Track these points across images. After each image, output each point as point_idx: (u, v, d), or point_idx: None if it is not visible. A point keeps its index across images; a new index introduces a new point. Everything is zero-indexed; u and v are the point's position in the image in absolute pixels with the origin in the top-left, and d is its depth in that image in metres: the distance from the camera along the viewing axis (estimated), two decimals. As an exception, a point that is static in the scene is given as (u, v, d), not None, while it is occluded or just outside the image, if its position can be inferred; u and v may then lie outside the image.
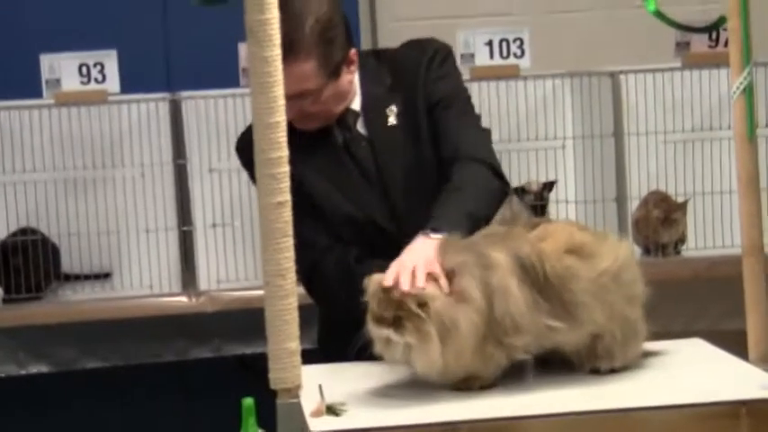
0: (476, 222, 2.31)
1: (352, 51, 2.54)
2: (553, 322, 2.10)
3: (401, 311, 2.08)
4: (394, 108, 2.56)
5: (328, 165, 2.55)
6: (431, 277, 2.10)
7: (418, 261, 2.14)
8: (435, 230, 2.27)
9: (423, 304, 2.07)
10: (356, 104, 2.58)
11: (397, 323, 2.08)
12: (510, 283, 2.09)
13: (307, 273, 2.57)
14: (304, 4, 2.43)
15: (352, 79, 2.56)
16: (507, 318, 2.08)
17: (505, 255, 2.11)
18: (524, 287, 2.09)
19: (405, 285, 2.10)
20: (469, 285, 2.08)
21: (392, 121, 2.56)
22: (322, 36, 2.44)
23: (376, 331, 2.11)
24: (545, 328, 2.10)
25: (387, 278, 2.14)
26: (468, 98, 2.62)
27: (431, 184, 2.51)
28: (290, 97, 2.42)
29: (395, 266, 2.17)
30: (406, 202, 2.55)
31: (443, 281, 2.10)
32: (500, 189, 2.49)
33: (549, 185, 3.85)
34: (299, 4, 2.43)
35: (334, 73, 2.49)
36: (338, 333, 2.33)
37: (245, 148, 2.60)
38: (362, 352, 2.16)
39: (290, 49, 2.36)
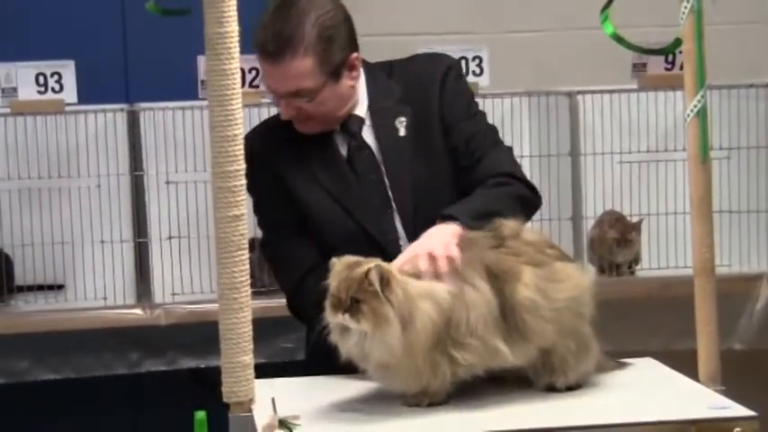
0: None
1: (354, 55, 2.48)
2: (503, 346, 2.10)
3: (360, 293, 2.03)
4: (403, 119, 2.52)
5: (327, 177, 2.50)
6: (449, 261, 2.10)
7: (435, 245, 2.13)
8: (450, 219, 2.26)
9: (386, 282, 2.03)
10: (361, 111, 2.54)
11: (353, 308, 2.03)
12: (479, 296, 2.09)
13: (289, 292, 2.54)
14: (308, 2, 2.42)
15: (355, 85, 2.51)
16: (462, 327, 2.07)
17: (481, 268, 2.12)
18: (492, 302, 2.10)
19: (423, 267, 2.09)
20: (437, 287, 2.08)
21: (402, 132, 2.52)
22: (322, 34, 2.41)
23: (332, 318, 2.07)
24: (492, 350, 2.10)
25: (397, 262, 2.12)
26: (484, 114, 2.61)
27: (441, 200, 2.44)
28: (287, 95, 2.44)
29: (409, 251, 2.17)
30: (413, 217, 2.48)
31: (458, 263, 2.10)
32: (530, 199, 2.47)
33: None
34: (303, 2, 2.42)
35: (333, 74, 2.44)
36: (321, 353, 2.22)
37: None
38: (319, 343, 2.13)
39: (289, 45, 2.38)
